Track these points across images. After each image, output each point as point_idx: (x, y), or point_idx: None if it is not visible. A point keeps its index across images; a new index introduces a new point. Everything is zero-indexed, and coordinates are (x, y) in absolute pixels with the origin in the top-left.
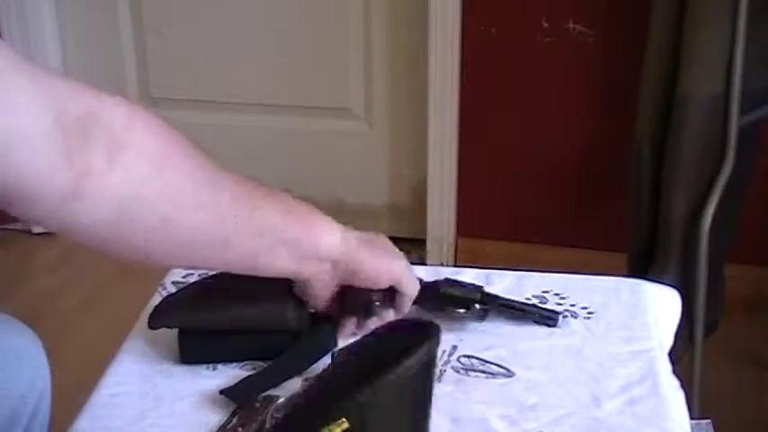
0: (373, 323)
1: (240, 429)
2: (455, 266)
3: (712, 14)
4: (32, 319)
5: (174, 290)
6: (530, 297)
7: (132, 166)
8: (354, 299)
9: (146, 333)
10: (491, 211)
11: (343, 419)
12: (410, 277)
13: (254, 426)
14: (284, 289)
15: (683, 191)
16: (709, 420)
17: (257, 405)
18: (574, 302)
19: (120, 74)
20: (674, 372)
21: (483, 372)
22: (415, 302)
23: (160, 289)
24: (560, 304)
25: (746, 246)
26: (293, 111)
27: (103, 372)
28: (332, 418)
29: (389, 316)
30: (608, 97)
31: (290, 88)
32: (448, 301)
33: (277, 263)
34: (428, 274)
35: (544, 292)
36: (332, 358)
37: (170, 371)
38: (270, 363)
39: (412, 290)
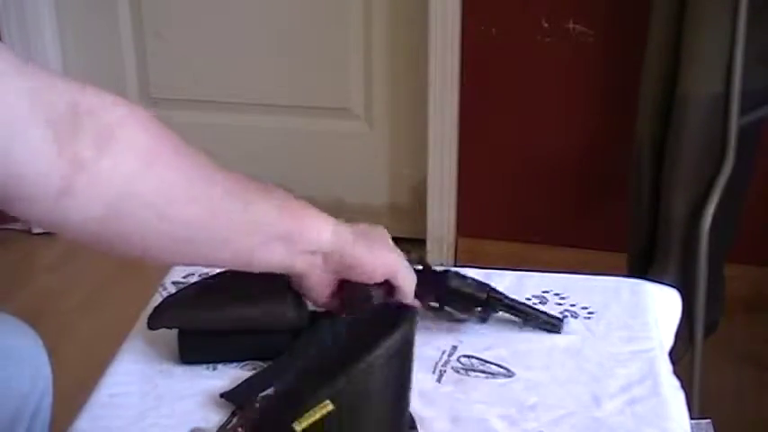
0: None
1: (240, 429)
2: (455, 266)
3: (712, 14)
4: (33, 319)
5: (174, 290)
6: (530, 297)
7: (123, 161)
8: (352, 294)
9: (146, 333)
10: (491, 211)
11: (327, 401)
12: (406, 270)
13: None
14: (284, 288)
15: (683, 191)
16: (709, 420)
17: (257, 405)
18: (574, 302)
19: (120, 75)
20: (674, 372)
21: (483, 372)
22: (417, 296)
23: (160, 289)
24: (560, 304)
25: (746, 246)
26: (293, 111)
27: (103, 372)
28: (312, 403)
29: None
30: (608, 97)
31: (290, 88)
32: (453, 297)
33: (271, 257)
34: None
35: (544, 292)
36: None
37: (170, 371)
38: (270, 363)
39: (408, 283)
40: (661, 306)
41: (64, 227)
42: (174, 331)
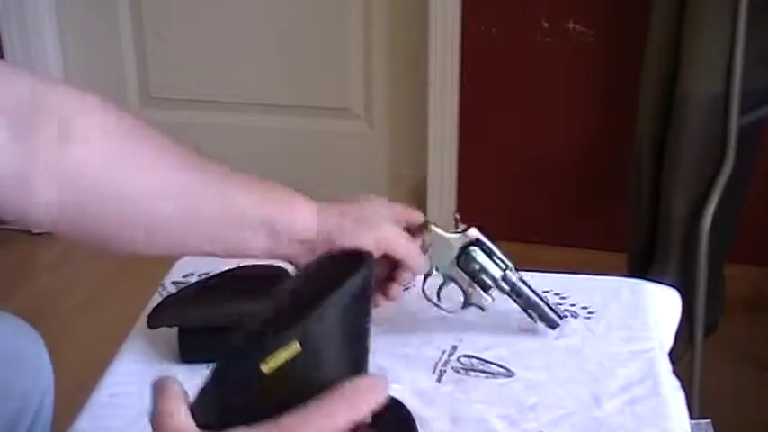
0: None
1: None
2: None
3: (712, 14)
4: (33, 319)
5: (174, 290)
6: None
7: (81, 150)
8: None
9: (146, 333)
10: (491, 211)
11: (294, 341)
12: (403, 240)
13: None
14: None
15: (683, 191)
16: (709, 420)
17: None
18: (574, 302)
19: (120, 75)
20: (674, 372)
21: (483, 372)
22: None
23: (160, 289)
24: (560, 304)
25: (746, 246)
26: (293, 111)
27: (103, 372)
28: (279, 344)
29: (394, 290)
30: (608, 97)
31: (290, 88)
32: (467, 265)
33: (253, 246)
34: None
35: (544, 291)
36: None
37: (170, 371)
38: None
39: (408, 253)
40: (661, 306)
41: (26, 217)
42: (175, 330)
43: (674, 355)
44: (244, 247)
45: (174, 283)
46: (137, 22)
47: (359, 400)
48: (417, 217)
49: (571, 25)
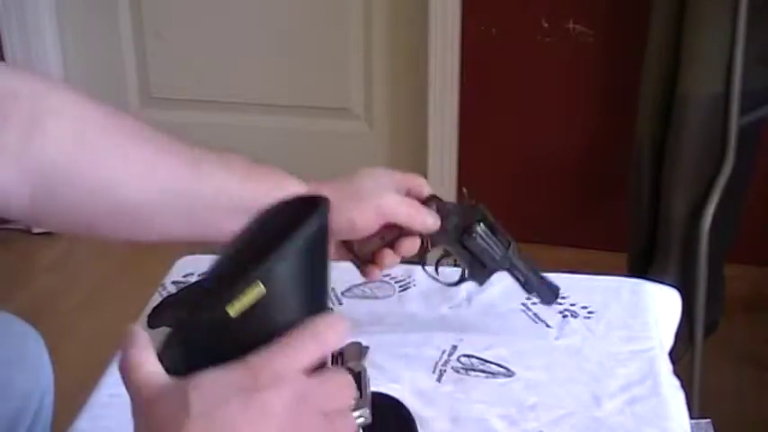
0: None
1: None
2: (455, 266)
3: (712, 14)
4: (33, 319)
5: (174, 290)
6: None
7: (51, 142)
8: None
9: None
10: (491, 211)
11: (258, 283)
12: (405, 206)
13: None
14: None
15: (683, 191)
16: (709, 420)
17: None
18: (574, 302)
19: (120, 75)
20: (674, 372)
21: (483, 371)
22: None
23: (160, 289)
24: (560, 304)
25: (746, 246)
26: (293, 111)
27: (103, 372)
28: (243, 286)
29: (388, 257)
30: (608, 97)
31: (290, 88)
32: (469, 241)
33: (232, 226)
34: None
35: None
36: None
37: None
38: None
39: (412, 217)
40: (661, 306)
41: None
42: None
43: (674, 354)
44: (223, 232)
45: (174, 283)
46: (137, 22)
47: (322, 336)
48: (419, 182)
49: (571, 25)
